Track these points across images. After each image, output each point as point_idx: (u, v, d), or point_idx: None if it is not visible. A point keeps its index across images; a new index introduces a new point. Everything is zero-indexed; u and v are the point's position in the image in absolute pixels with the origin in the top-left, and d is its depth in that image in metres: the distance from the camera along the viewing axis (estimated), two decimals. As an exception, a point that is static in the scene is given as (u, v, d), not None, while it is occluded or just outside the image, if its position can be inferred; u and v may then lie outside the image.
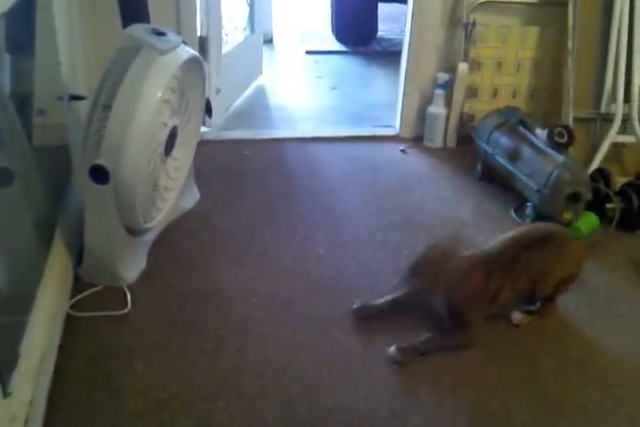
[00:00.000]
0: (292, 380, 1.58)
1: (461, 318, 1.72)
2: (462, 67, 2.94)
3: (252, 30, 3.79)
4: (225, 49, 3.23)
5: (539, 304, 1.84)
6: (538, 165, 2.35)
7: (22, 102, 1.77)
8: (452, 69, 2.99)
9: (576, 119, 2.72)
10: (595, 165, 2.61)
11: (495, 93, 3.07)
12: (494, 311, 1.79)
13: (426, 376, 1.63)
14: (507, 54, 3.01)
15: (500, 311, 1.81)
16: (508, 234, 1.83)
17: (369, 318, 1.79)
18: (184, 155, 2.13)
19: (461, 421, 1.50)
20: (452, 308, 1.72)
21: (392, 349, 1.66)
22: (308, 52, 4.76)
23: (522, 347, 1.75)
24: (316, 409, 1.50)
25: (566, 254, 1.81)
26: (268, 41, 4.85)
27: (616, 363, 1.70)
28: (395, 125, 3.23)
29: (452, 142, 3.10)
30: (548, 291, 1.80)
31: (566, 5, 2.74)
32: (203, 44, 2.92)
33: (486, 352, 1.72)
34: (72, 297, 1.79)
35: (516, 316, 1.82)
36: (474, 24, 2.89)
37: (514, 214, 2.45)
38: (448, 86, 3.00)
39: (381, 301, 1.82)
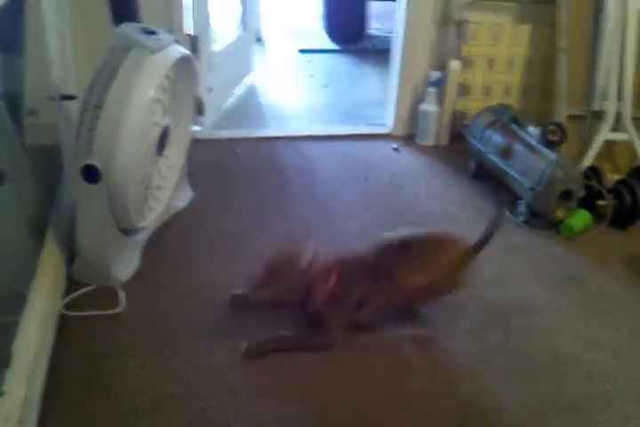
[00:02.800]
0: (285, 377, 1.58)
1: (318, 319, 1.67)
2: (454, 64, 2.95)
3: (244, 29, 3.78)
4: (216, 48, 3.23)
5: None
6: (530, 162, 2.36)
7: (13, 102, 1.76)
8: (444, 67, 2.99)
9: (568, 117, 2.73)
10: (587, 162, 2.62)
11: (487, 91, 3.08)
12: (366, 320, 1.70)
13: (418, 373, 1.63)
14: (498, 52, 3.01)
15: (380, 320, 1.74)
16: (379, 241, 1.72)
17: (243, 307, 1.79)
18: (176, 154, 2.13)
19: (454, 417, 1.50)
20: (308, 310, 1.66)
21: (243, 345, 1.64)
22: (300, 51, 4.76)
23: (514, 343, 1.75)
24: (309, 406, 1.50)
25: (432, 263, 1.67)
26: (260, 39, 4.85)
27: (608, 359, 1.71)
28: (387, 123, 3.24)
29: (444, 140, 3.11)
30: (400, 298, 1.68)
31: (557, 3, 2.75)
32: (194, 43, 2.91)
33: (479, 349, 1.72)
34: (65, 297, 1.79)
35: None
36: (465, 22, 2.89)
37: (506, 212, 2.46)
38: (440, 84, 3.00)
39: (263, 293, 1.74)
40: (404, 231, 1.75)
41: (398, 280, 1.65)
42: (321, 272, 1.62)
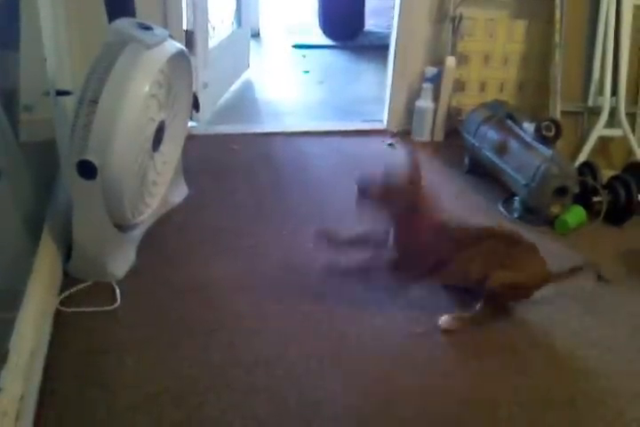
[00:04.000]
0: (282, 373, 1.58)
1: (400, 259, 1.78)
2: (450, 60, 2.95)
3: (239, 24, 3.77)
4: (212, 43, 3.22)
5: (476, 309, 1.79)
6: (525, 158, 2.36)
7: (8, 98, 1.75)
8: (439, 63, 3.00)
9: (563, 113, 2.74)
10: (582, 158, 2.63)
11: (483, 87, 3.08)
12: (434, 280, 1.84)
13: (413, 368, 1.64)
14: (494, 48, 3.02)
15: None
16: (492, 226, 1.87)
17: (328, 244, 1.87)
18: (172, 150, 2.13)
19: (448, 413, 1.51)
20: (399, 241, 1.76)
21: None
22: (296, 46, 4.75)
23: (509, 339, 1.76)
24: (306, 402, 1.50)
25: (528, 264, 1.78)
26: (256, 35, 4.83)
27: (603, 355, 1.72)
28: (382, 119, 3.24)
29: (439, 136, 3.11)
30: (493, 287, 1.74)
31: (553, -1, 2.76)
32: (189, 38, 2.90)
33: (473, 345, 1.73)
34: (61, 293, 1.79)
35: (444, 319, 1.77)
36: (461, 18, 2.89)
37: (501, 208, 2.47)
38: (436, 80, 3.00)
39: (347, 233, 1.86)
40: (513, 229, 1.89)
41: (499, 268, 1.74)
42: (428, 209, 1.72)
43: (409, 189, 1.70)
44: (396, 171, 1.73)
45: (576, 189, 2.32)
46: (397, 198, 1.71)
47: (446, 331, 1.75)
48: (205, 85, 3.11)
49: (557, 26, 2.75)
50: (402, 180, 1.71)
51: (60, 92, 2.03)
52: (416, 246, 1.76)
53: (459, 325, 1.76)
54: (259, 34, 4.98)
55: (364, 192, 1.74)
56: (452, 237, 1.76)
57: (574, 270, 1.86)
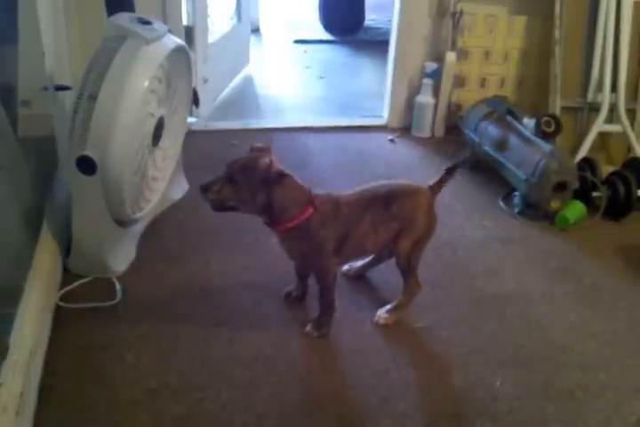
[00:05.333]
0: (282, 368, 1.59)
1: (311, 265, 1.72)
2: (450, 56, 2.94)
3: (239, 19, 3.76)
4: (211, 38, 3.21)
5: (397, 301, 1.77)
6: (525, 154, 2.36)
7: (6, 93, 1.74)
8: (439, 59, 2.99)
9: (563, 108, 2.74)
10: (582, 154, 2.63)
11: (483, 83, 3.08)
12: (352, 256, 1.79)
13: (414, 363, 1.64)
14: (494, 44, 3.01)
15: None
16: (361, 189, 1.71)
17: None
18: (172, 145, 2.12)
19: (449, 407, 1.51)
20: (297, 255, 1.68)
21: (308, 328, 1.70)
22: (296, 42, 4.74)
23: (508, 333, 1.77)
24: (306, 398, 1.51)
25: (415, 216, 1.69)
26: (256, 30, 4.82)
27: (602, 348, 1.73)
28: (383, 115, 3.23)
29: (439, 132, 3.11)
30: (402, 261, 1.72)
31: (553, -6, 2.75)
32: (189, 33, 2.90)
33: (473, 339, 1.73)
34: (61, 289, 1.79)
35: (382, 316, 1.76)
36: (461, 13, 2.89)
37: (501, 203, 2.47)
38: (436, 76, 3.00)
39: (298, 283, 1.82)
40: (380, 185, 1.73)
41: (377, 226, 1.66)
42: (295, 184, 1.57)
43: (255, 169, 1.50)
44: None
45: (576, 185, 2.32)
46: (248, 184, 1.52)
47: (385, 326, 1.74)
48: (205, 81, 3.11)
49: (557, 22, 2.74)
50: (242, 163, 1.54)
51: (59, 87, 2.03)
52: (310, 234, 1.60)
53: (395, 317, 1.75)
54: (259, 29, 4.96)
55: (210, 189, 1.57)
56: (337, 209, 1.63)
57: (450, 171, 1.79)
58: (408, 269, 1.74)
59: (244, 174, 1.51)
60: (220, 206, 1.59)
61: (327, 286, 1.70)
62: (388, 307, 1.78)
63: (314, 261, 1.67)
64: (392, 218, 1.67)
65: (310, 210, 1.58)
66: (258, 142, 1.60)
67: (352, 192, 1.69)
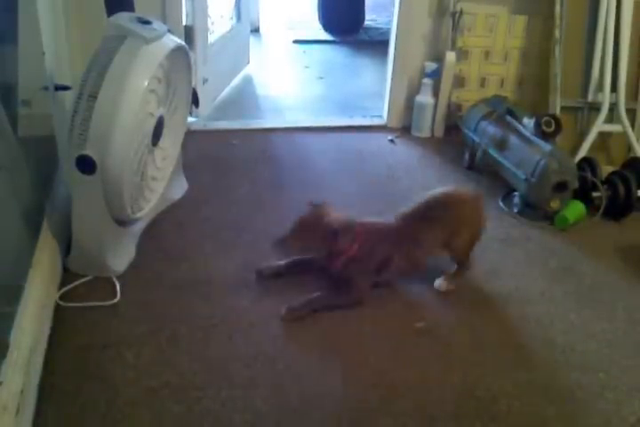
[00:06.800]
0: (282, 367, 1.59)
1: (345, 277, 1.83)
2: (450, 56, 2.94)
3: (239, 19, 3.76)
4: (211, 38, 3.21)
5: (454, 271, 1.94)
6: (525, 154, 2.36)
7: (6, 93, 1.74)
8: (439, 59, 2.99)
9: (563, 108, 2.74)
10: (582, 153, 2.63)
11: (483, 83, 3.08)
12: (390, 278, 1.89)
13: (414, 362, 1.64)
14: (494, 43, 3.01)
15: (409, 276, 1.93)
16: (401, 210, 1.89)
17: (269, 278, 1.91)
18: (171, 145, 2.12)
19: (448, 407, 1.51)
20: (339, 273, 1.83)
21: (283, 309, 1.75)
22: (296, 42, 4.74)
23: (508, 333, 1.77)
24: (306, 397, 1.51)
25: (461, 216, 1.87)
26: (255, 30, 4.82)
27: (602, 349, 1.73)
28: (382, 115, 3.23)
29: (439, 132, 3.11)
30: (459, 255, 1.91)
31: (553, -6, 2.75)
32: (188, 33, 2.89)
33: (473, 339, 1.73)
34: (61, 288, 1.79)
35: (440, 284, 1.91)
36: (461, 13, 2.89)
37: (501, 203, 2.47)
38: (436, 76, 3.00)
39: (281, 262, 1.93)
40: (422, 197, 1.92)
41: (422, 240, 1.84)
42: (345, 231, 1.77)
43: (317, 226, 1.78)
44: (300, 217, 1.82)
45: (575, 185, 2.32)
46: (313, 238, 1.79)
47: (446, 292, 1.90)
48: (205, 81, 3.11)
49: (557, 21, 2.74)
50: (307, 221, 1.80)
51: (59, 87, 2.03)
52: (354, 262, 1.80)
53: (454, 284, 1.91)
54: (258, 29, 4.96)
55: (283, 247, 1.81)
56: (380, 238, 1.83)
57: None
58: (466, 258, 1.93)
59: (309, 231, 1.78)
60: (289, 254, 1.90)
61: (350, 296, 1.82)
62: (445, 276, 1.93)
63: (351, 278, 1.83)
64: (445, 226, 1.85)
65: (355, 248, 1.79)
66: (314, 201, 1.85)
67: (404, 211, 1.88)
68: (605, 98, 2.69)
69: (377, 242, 1.82)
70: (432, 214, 1.85)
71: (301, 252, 1.87)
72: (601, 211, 2.37)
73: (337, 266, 1.82)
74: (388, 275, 1.86)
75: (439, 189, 1.94)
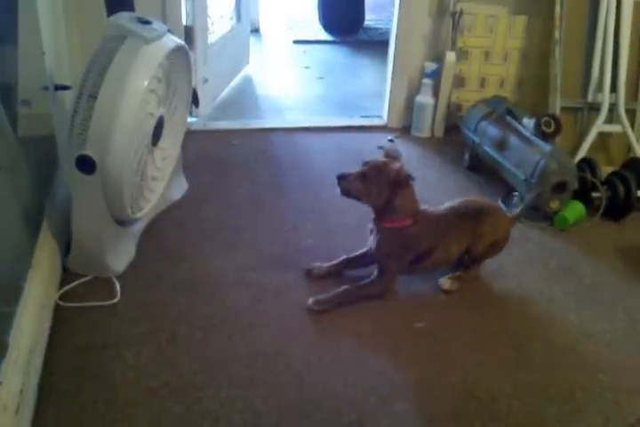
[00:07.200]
0: (281, 367, 1.59)
1: (383, 263, 1.84)
2: (450, 56, 2.94)
3: (239, 19, 3.76)
4: (211, 38, 3.21)
5: (460, 272, 1.94)
6: (525, 154, 2.36)
7: (7, 93, 1.74)
8: (439, 59, 2.99)
9: (563, 108, 2.74)
10: (581, 154, 2.63)
11: (483, 83, 3.08)
12: (427, 269, 1.91)
13: (414, 363, 1.64)
14: (494, 44, 3.01)
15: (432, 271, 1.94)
16: (448, 204, 1.93)
17: (322, 278, 1.92)
18: (171, 145, 2.12)
19: (448, 407, 1.51)
20: (380, 251, 1.84)
21: (310, 300, 1.77)
22: (296, 42, 4.74)
23: (508, 334, 1.77)
24: (305, 396, 1.51)
25: (494, 225, 1.91)
26: (255, 30, 4.82)
27: (601, 349, 1.73)
28: (382, 115, 3.23)
29: (439, 132, 3.11)
30: (478, 254, 1.91)
31: (553, -6, 2.75)
32: (188, 34, 2.89)
33: (473, 339, 1.73)
34: (61, 288, 1.79)
35: (445, 282, 1.91)
36: (461, 13, 2.89)
37: (501, 203, 2.47)
38: (436, 76, 3.00)
39: (331, 263, 1.95)
40: (474, 200, 2.00)
41: (461, 238, 1.87)
42: (406, 195, 1.79)
43: (385, 173, 1.77)
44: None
45: (575, 185, 2.32)
46: (377, 183, 1.77)
47: (447, 292, 1.90)
48: (205, 81, 3.11)
49: (557, 22, 2.74)
50: (377, 165, 1.80)
51: (59, 87, 2.03)
52: (402, 240, 1.81)
53: (457, 284, 1.91)
54: (258, 29, 4.96)
55: (345, 183, 1.81)
56: (433, 225, 1.84)
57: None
58: (476, 266, 1.96)
59: (376, 174, 1.77)
60: (347, 194, 1.84)
61: (380, 285, 1.84)
62: (452, 275, 1.93)
63: (387, 262, 1.84)
64: (476, 233, 1.87)
65: (409, 221, 1.80)
66: (390, 148, 1.88)
67: (445, 207, 1.91)
68: (605, 98, 2.69)
69: (429, 228, 1.83)
70: (471, 215, 1.88)
71: (359, 195, 1.81)
72: (601, 211, 2.37)
73: (384, 225, 1.81)
74: (421, 268, 1.88)
75: (483, 200, 2.03)
